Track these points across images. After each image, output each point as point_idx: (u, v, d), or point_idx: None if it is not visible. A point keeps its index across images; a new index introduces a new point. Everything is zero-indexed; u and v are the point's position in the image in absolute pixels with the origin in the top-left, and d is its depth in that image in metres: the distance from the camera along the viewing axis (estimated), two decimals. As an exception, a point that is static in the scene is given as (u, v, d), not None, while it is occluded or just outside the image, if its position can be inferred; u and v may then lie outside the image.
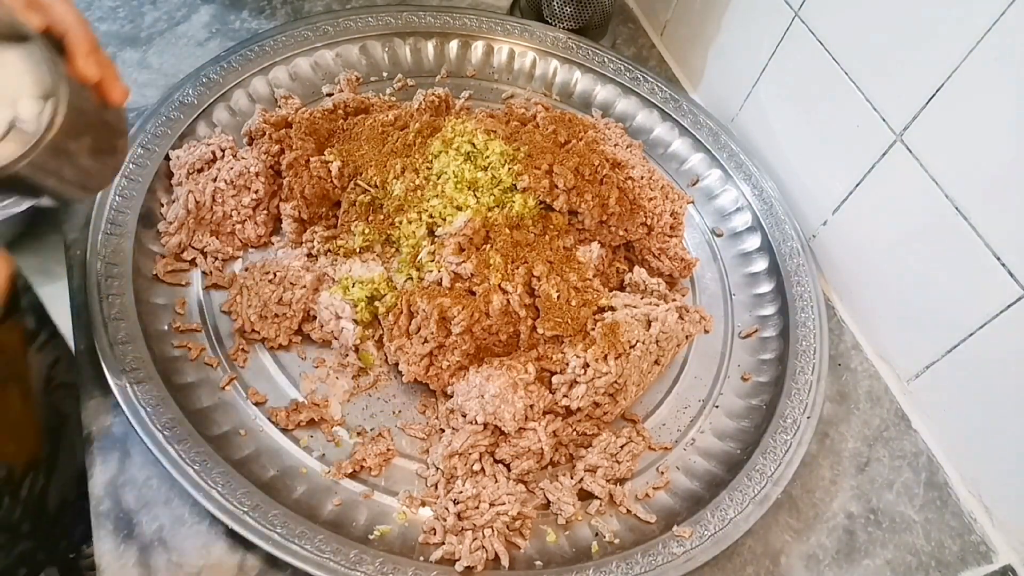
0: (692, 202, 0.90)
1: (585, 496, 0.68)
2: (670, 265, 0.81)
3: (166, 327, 0.70)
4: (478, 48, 0.97)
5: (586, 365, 0.67)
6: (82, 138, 0.51)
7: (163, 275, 0.73)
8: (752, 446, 0.72)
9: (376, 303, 0.72)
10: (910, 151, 0.74)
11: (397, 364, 0.71)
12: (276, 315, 0.71)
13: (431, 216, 0.75)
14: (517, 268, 0.72)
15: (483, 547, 0.62)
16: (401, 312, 0.69)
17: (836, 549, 0.71)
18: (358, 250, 0.76)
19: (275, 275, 0.73)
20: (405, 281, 0.73)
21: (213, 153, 0.77)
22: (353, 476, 0.66)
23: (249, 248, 0.78)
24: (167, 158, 0.77)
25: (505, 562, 0.62)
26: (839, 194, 0.83)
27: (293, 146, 0.78)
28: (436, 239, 0.74)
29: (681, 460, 0.72)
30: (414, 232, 0.74)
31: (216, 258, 0.75)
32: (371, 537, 0.63)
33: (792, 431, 0.72)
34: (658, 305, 0.73)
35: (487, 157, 0.78)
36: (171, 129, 0.79)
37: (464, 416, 0.67)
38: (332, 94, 0.89)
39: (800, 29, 0.84)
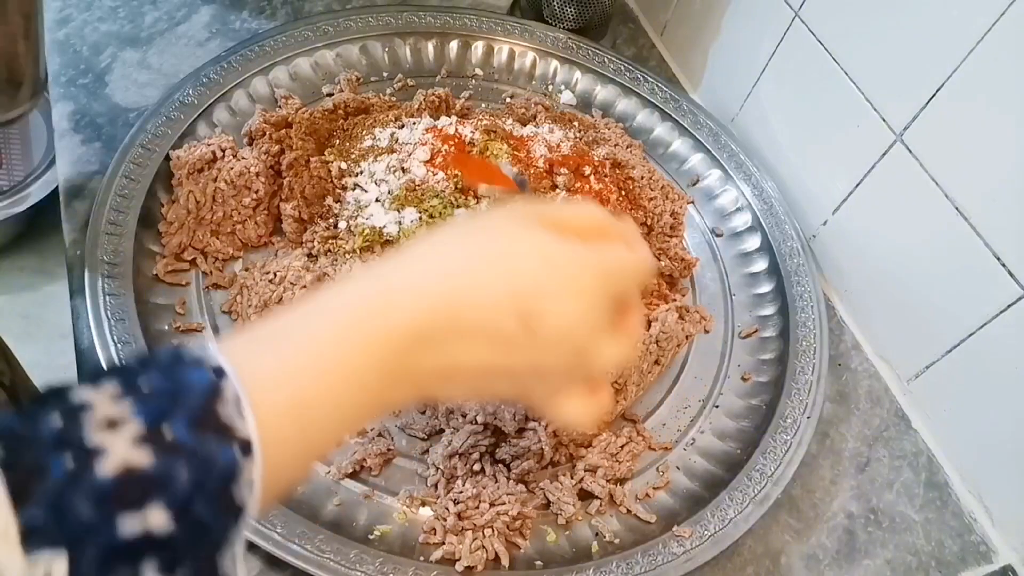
0: (692, 202, 0.90)
1: (585, 496, 0.68)
2: (670, 265, 0.81)
3: (166, 327, 0.70)
4: (478, 48, 0.97)
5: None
6: None
7: (163, 275, 0.73)
8: (752, 446, 0.71)
9: (376, 303, 0.72)
10: (910, 151, 0.74)
11: (397, 364, 0.71)
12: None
13: (431, 216, 0.75)
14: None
15: (483, 547, 0.62)
16: (401, 312, 0.69)
17: (836, 549, 0.71)
18: (358, 250, 0.76)
19: (275, 275, 0.73)
20: (405, 281, 0.73)
21: (213, 153, 0.77)
22: (353, 476, 0.66)
23: (249, 248, 0.78)
24: (167, 158, 0.77)
25: (505, 562, 0.62)
26: (839, 194, 0.83)
27: (293, 146, 0.78)
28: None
29: (681, 460, 0.72)
30: (414, 231, 0.74)
31: (216, 258, 0.75)
32: (371, 537, 0.63)
33: (792, 431, 0.72)
34: (658, 305, 0.73)
35: (486, 158, 0.78)
36: (171, 129, 0.79)
37: (464, 416, 0.67)
38: (332, 94, 0.89)
39: (800, 29, 0.84)
